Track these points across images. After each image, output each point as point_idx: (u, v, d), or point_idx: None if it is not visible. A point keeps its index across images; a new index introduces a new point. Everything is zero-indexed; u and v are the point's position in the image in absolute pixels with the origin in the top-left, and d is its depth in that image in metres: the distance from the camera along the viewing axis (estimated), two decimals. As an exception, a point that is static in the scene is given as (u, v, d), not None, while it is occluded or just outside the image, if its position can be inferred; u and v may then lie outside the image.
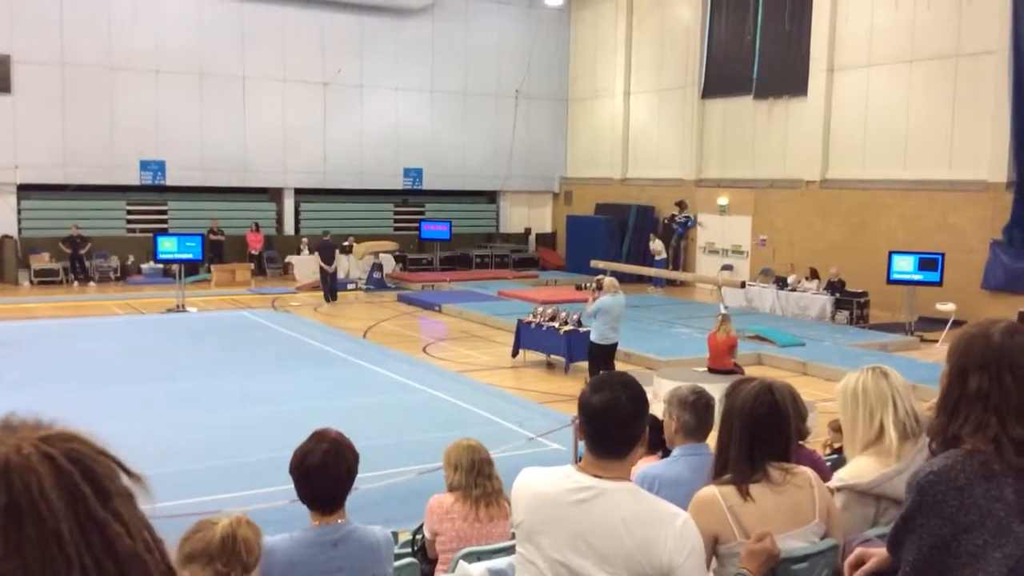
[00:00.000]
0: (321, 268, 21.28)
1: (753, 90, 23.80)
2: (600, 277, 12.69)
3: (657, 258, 24.19)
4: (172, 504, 7.67)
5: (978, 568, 2.13)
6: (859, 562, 2.55)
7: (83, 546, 0.95)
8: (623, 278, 14.69)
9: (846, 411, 3.16)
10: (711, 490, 2.81)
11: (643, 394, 2.55)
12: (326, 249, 21.17)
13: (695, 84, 25.51)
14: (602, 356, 12.00)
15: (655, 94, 27.05)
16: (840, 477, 3.05)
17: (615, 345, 12.20)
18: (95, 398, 11.28)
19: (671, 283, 24.18)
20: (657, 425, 3.95)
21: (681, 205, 25.22)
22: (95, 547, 0.96)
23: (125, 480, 1.04)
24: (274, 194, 27.02)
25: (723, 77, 24.78)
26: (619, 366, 12.21)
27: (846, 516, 2.95)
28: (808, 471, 2.90)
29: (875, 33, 20.74)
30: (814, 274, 20.16)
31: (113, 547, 0.97)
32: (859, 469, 3.07)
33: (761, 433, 2.82)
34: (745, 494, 2.76)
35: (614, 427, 2.48)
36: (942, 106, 19.47)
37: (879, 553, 2.50)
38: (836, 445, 7.22)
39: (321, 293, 21.36)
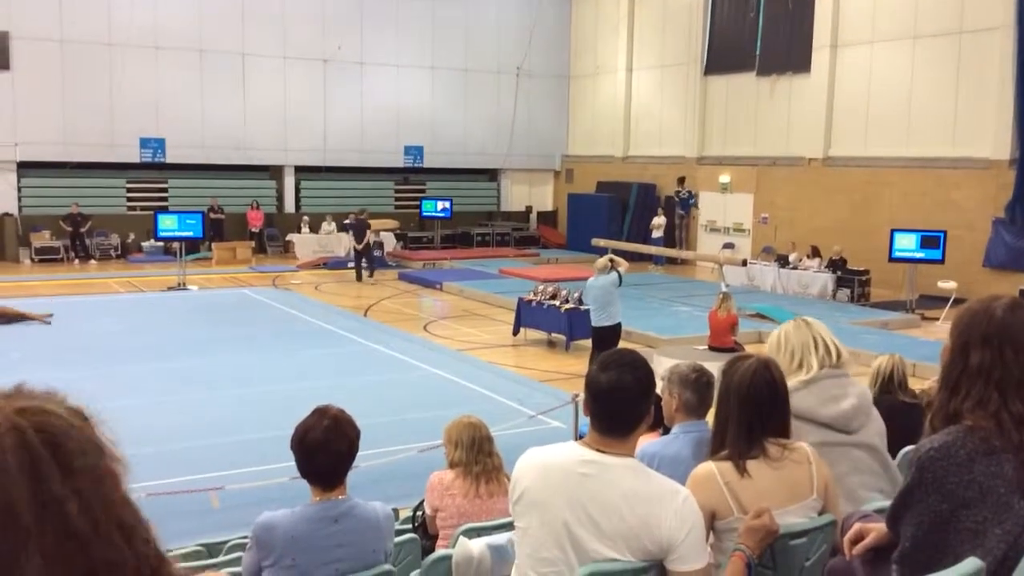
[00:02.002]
0: (354, 246, 21.72)
1: (756, 67, 23.66)
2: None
3: (654, 235, 24.16)
4: (175, 480, 7.72)
5: (977, 544, 2.14)
6: (858, 537, 2.56)
7: (39, 523, 0.91)
8: (624, 256, 14.57)
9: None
10: (708, 466, 2.82)
11: (650, 374, 2.54)
12: (358, 228, 21.43)
13: (697, 61, 25.35)
14: (597, 337, 11.72)
15: (657, 71, 26.89)
16: None
17: (608, 327, 11.60)
18: (97, 376, 11.30)
19: (672, 261, 24.14)
20: (658, 403, 3.94)
21: (682, 181, 25.15)
22: (52, 525, 0.92)
23: (107, 459, 0.99)
24: (274, 172, 26.93)
25: (726, 53, 24.61)
26: (618, 344, 12.07)
27: None
28: (806, 447, 2.90)
29: (879, 9, 20.59)
30: (816, 252, 20.13)
31: (69, 526, 0.92)
32: None
33: (759, 409, 2.82)
34: (742, 470, 2.76)
35: (619, 406, 2.49)
36: (946, 83, 19.35)
37: (878, 528, 2.51)
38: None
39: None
